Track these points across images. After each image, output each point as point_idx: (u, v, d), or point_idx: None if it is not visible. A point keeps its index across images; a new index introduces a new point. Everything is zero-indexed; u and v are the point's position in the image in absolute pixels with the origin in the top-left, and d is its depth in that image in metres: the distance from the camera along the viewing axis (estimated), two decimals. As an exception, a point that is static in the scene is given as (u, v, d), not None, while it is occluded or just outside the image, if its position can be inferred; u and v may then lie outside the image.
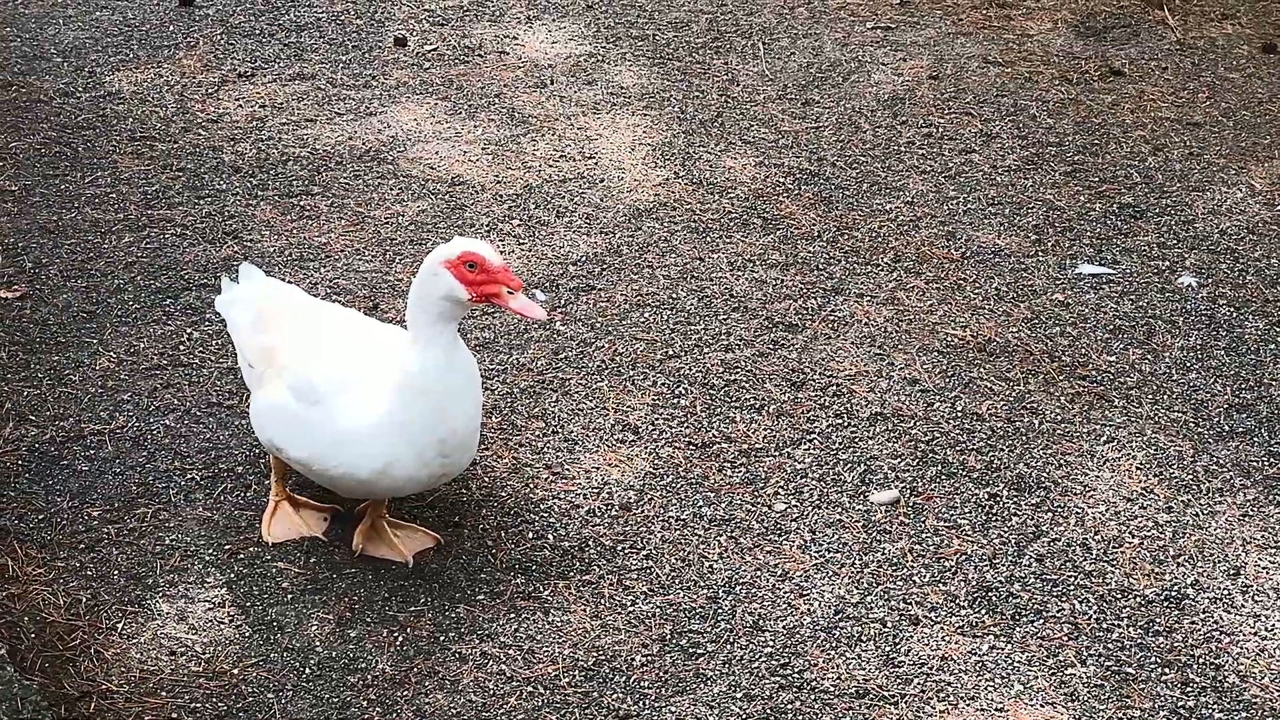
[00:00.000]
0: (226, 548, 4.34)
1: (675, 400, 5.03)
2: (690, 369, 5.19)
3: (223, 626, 4.08)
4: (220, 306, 4.71)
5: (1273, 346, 5.36)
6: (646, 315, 5.49)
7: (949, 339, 5.39)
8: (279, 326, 4.36)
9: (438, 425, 4.02)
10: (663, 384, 5.11)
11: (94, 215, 5.96)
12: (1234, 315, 5.57)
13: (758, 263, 5.84)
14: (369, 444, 4.03)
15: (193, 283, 5.54)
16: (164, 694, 3.86)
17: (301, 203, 6.14)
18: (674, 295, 5.62)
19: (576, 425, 4.89)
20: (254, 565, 4.28)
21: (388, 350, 4.16)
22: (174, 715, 3.80)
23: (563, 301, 5.55)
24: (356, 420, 4.05)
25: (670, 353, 5.27)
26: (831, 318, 5.50)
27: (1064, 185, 6.45)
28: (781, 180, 6.46)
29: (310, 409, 4.13)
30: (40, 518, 4.40)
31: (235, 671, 3.95)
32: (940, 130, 6.91)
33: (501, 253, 5.83)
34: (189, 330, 5.27)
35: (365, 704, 3.87)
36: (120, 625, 4.06)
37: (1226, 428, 4.96)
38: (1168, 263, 5.90)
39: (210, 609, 4.13)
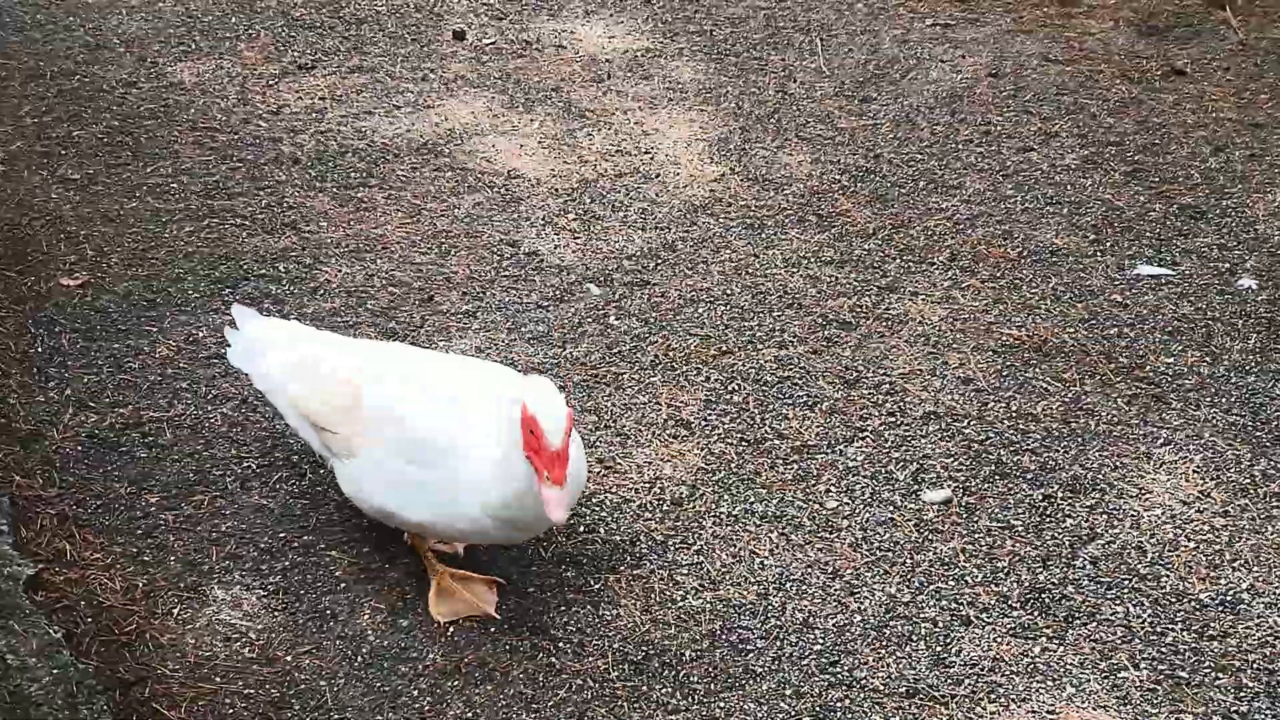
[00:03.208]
0: (281, 535, 4.37)
1: (728, 396, 5.03)
2: (743, 365, 5.18)
3: (276, 614, 4.12)
4: (237, 360, 4.48)
5: (1334, 350, 5.30)
6: (700, 311, 5.49)
7: (1004, 339, 5.36)
8: (339, 377, 4.12)
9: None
10: (716, 380, 5.11)
11: (155, 205, 6.02)
12: (1294, 318, 5.50)
13: (812, 260, 5.83)
14: (490, 490, 3.84)
15: (252, 273, 5.59)
16: (218, 679, 3.90)
17: (359, 194, 6.18)
18: (728, 291, 5.62)
19: (629, 420, 4.90)
20: (308, 554, 4.31)
21: (487, 391, 3.94)
22: (227, 701, 3.84)
23: (617, 296, 5.56)
24: (477, 471, 3.85)
25: (724, 348, 5.27)
26: (886, 316, 5.48)
27: (1124, 185, 6.40)
28: (837, 177, 6.44)
29: (424, 470, 3.93)
30: (98, 504, 4.46)
31: (288, 658, 3.98)
32: (999, 128, 6.87)
33: (557, 247, 5.84)
34: (247, 320, 5.31)
35: (416, 693, 3.89)
36: (176, 611, 4.11)
37: (1285, 432, 4.91)
38: (1228, 264, 5.84)
39: (264, 596, 4.17)
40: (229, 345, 4.54)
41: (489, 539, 4.04)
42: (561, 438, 3.61)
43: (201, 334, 5.22)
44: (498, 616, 4.11)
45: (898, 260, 5.83)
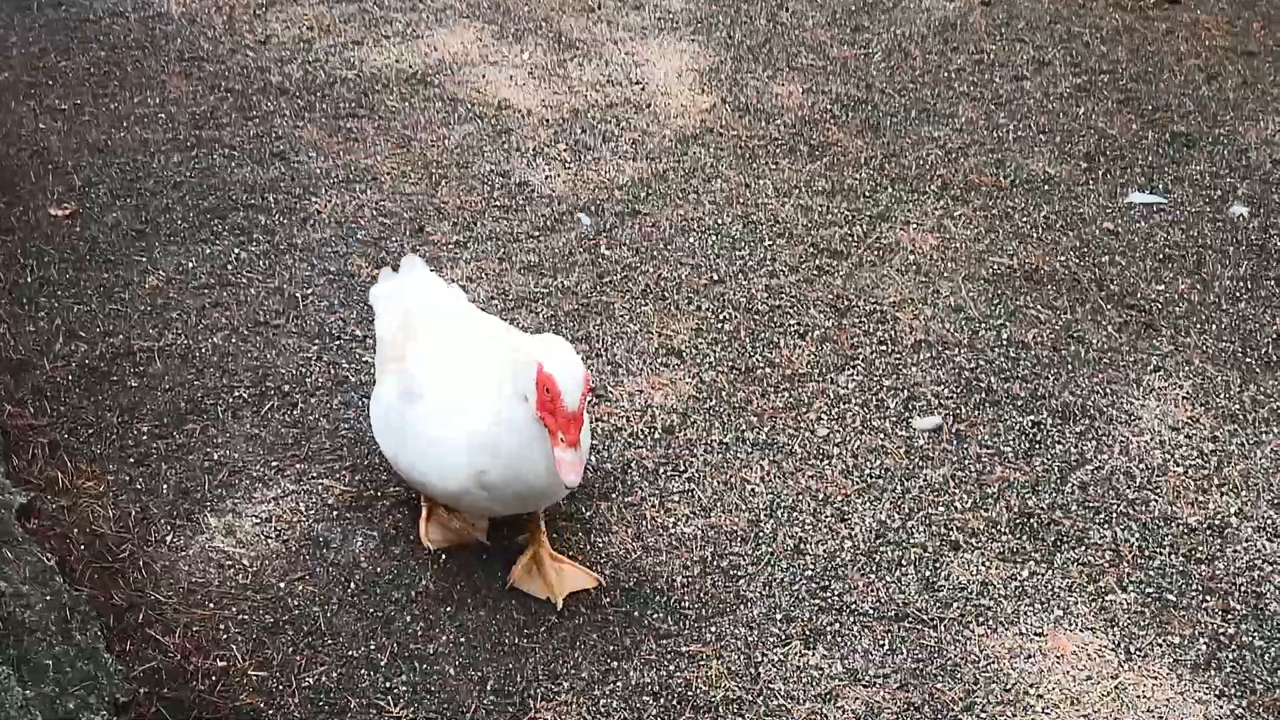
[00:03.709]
0: (274, 464, 4.38)
1: (719, 325, 5.03)
2: (734, 294, 5.18)
3: (269, 541, 4.13)
4: (374, 298, 4.42)
5: (1324, 277, 5.31)
6: (691, 240, 5.48)
7: (996, 267, 5.36)
8: (421, 334, 4.06)
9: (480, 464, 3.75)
10: (707, 309, 5.10)
11: (143, 135, 5.99)
12: (1285, 246, 5.51)
13: (804, 189, 5.81)
14: (452, 455, 3.78)
15: (241, 203, 5.57)
16: (211, 605, 3.92)
17: (348, 125, 6.15)
18: (719, 221, 5.61)
19: (620, 349, 4.90)
20: (300, 482, 4.32)
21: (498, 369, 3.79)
22: (221, 626, 3.86)
23: (608, 226, 5.55)
24: (440, 428, 3.79)
25: (715, 278, 5.26)
26: (877, 245, 5.48)
27: (1116, 113, 6.38)
28: (829, 107, 6.41)
29: (407, 407, 3.89)
30: (90, 432, 4.46)
31: (282, 585, 4.00)
32: (991, 57, 6.84)
33: (548, 177, 5.82)
34: (236, 250, 5.30)
35: (409, 619, 3.91)
36: (169, 538, 4.12)
37: (1275, 357, 4.92)
38: (1219, 192, 5.84)
39: (257, 524, 4.18)
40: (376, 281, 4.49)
41: (476, 503, 3.87)
42: (578, 399, 3.50)
43: (191, 264, 5.21)
44: (488, 544, 4.12)
45: (889, 189, 5.82)
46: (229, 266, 5.22)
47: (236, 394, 4.65)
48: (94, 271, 5.15)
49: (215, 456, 4.40)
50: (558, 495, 3.89)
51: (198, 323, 4.94)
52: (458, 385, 3.80)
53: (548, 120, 6.23)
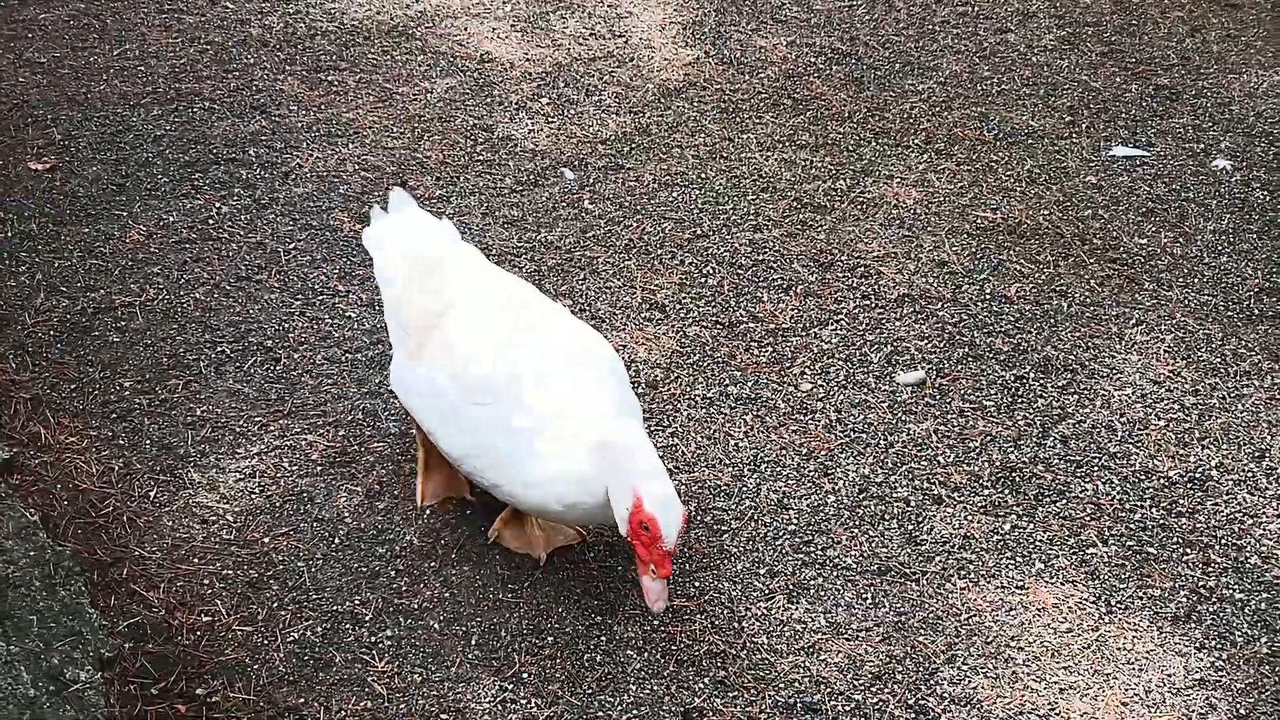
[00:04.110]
0: (257, 419, 4.38)
1: (703, 280, 5.02)
2: (718, 248, 5.18)
3: (253, 496, 4.13)
4: (368, 242, 4.23)
5: (1306, 231, 5.32)
6: (675, 195, 5.47)
7: (979, 221, 5.36)
8: (452, 293, 3.89)
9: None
10: (690, 263, 5.10)
11: (122, 88, 5.95)
12: (1267, 198, 5.51)
13: (787, 143, 5.80)
14: (548, 483, 3.64)
15: (221, 157, 5.54)
16: (196, 560, 3.92)
17: (329, 78, 6.11)
18: (703, 175, 5.59)
19: (604, 303, 4.90)
20: (284, 437, 4.32)
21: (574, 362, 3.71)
22: (205, 582, 3.87)
23: (591, 180, 5.53)
24: (540, 461, 3.63)
25: (698, 232, 5.26)
26: (861, 199, 5.47)
27: (1100, 66, 6.37)
28: (813, 60, 6.39)
29: (477, 409, 3.71)
30: (72, 388, 4.45)
31: (266, 540, 4.00)
32: (976, 9, 6.82)
33: (531, 131, 5.80)
34: (217, 205, 5.27)
35: (394, 574, 3.92)
36: (153, 494, 4.12)
37: (1256, 311, 4.93)
38: (1202, 145, 5.84)
39: (241, 479, 4.18)
40: (368, 224, 4.31)
41: (511, 501, 3.79)
42: (675, 538, 3.44)
43: (172, 218, 5.18)
44: (472, 499, 4.12)
45: (873, 143, 5.81)
46: (210, 221, 5.19)
47: (219, 349, 4.63)
48: (74, 226, 5.12)
49: (198, 412, 4.40)
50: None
51: (179, 278, 4.92)
52: (531, 395, 3.63)
53: (530, 74, 6.20)
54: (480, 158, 5.64)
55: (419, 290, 3.93)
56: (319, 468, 4.23)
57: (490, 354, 3.72)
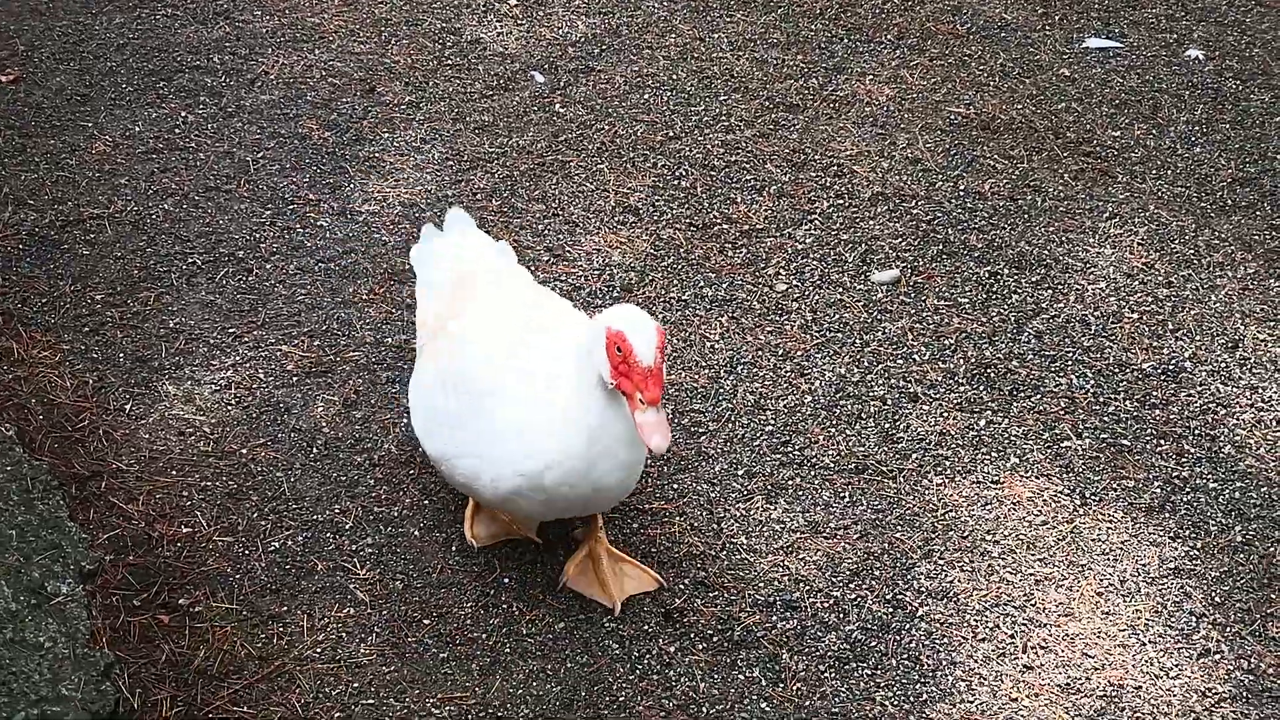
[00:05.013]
0: (231, 331, 4.36)
1: (676, 182, 5.00)
2: (691, 150, 5.14)
3: (230, 408, 4.12)
4: (415, 259, 3.99)
5: (1278, 120, 5.31)
6: (646, 96, 5.42)
7: (952, 117, 5.33)
8: (469, 303, 3.68)
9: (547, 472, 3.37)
10: (663, 165, 5.07)
11: (83, -3, 5.85)
12: (1240, 88, 5.50)
13: (759, 42, 5.74)
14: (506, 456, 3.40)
15: (186, 64, 5.46)
16: (174, 473, 3.92)
17: (294, -17, 6.02)
18: (674, 76, 5.54)
19: (577, 207, 4.87)
20: (258, 348, 4.30)
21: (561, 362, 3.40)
22: (184, 493, 3.87)
23: (562, 83, 5.48)
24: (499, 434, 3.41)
25: (670, 134, 5.22)
26: (833, 97, 5.43)
27: (1072, -42, 6.31)
28: (783, -45, 6.31)
29: (453, 400, 3.51)
30: (43, 301, 4.42)
31: (244, 451, 4.00)
32: (947, -98, 6.73)
33: (500, 34, 5.73)
34: (184, 113, 5.21)
35: (372, 482, 3.93)
36: (128, 407, 4.11)
37: (1229, 201, 4.93)
38: (1175, 36, 5.80)
39: (217, 391, 4.17)
40: (419, 240, 4.04)
41: (523, 506, 3.50)
42: (654, 353, 3.17)
43: (138, 128, 5.12)
44: (538, 539, 3.77)
45: (845, 40, 5.76)
46: (177, 130, 5.13)
47: (190, 260, 4.60)
48: (40, 138, 5.06)
49: (171, 324, 4.38)
50: (619, 497, 3.52)
51: (147, 189, 4.87)
52: (517, 377, 3.42)
53: (498, -26, 6.12)
54: (449, 62, 5.58)
55: (453, 302, 3.70)
56: (295, 378, 4.22)
57: (482, 349, 3.50)
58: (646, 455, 3.41)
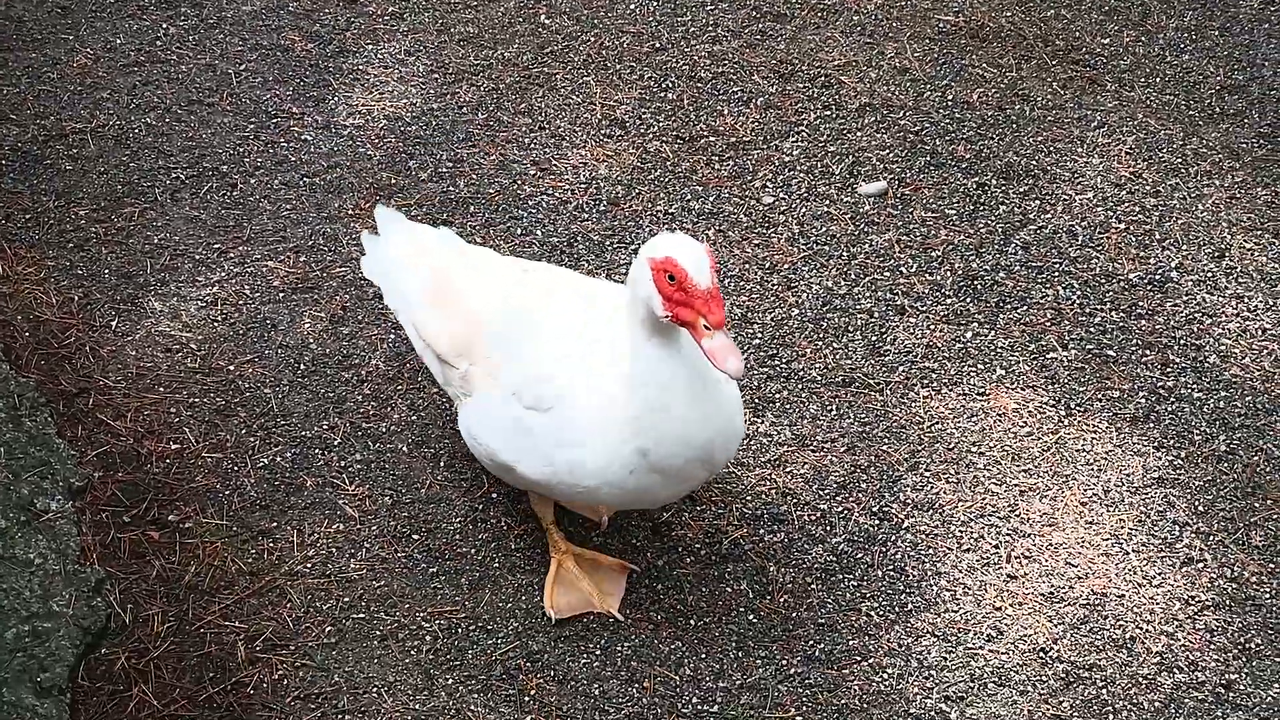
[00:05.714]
0: (216, 246, 4.35)
1: (662, 94, 4.96)
2: (677, 62, 5.10)
3: (216, 324, 4.12)
4: (370, 273, 3.79)
5: (1267, 26, 5.27)
6: (632, 7, 5.37)
7: (941, 25, 5.29)
8: (466, 304, 3.50)
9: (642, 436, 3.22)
10: (649, 77, 5.03)
11: (60, -93, 5.77)
12: (1231, -3, 5.46)
13: (746, -52, 5.68)
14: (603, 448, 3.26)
15: (166, -23, 5.40)
16: (161, 389, 3.93)
17: (274, -109, 5.93)
18: (660, -16, 5.48)
19: (563, 120, 4.84)
20: (244, 264, 4.29)
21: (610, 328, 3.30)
22: (172, 410, 3.88)
23: (546, -8, 5.42)
24: (591, 423, 3.27)
25: (657, 45, 5.18)
26: (820, 6, 5.38)
27: None
28: None
29: (539, 415, 3.33)
30: (27, 217, 4.40)
31: (231, 368, 4.01)
32: None
33: None
34: (165, 25, 5.15)
35: (360, 399, 3.94)
36: (114, 323, 4.10)
37: (1217, 110, 4.91)
38: (1166, -57, 5.75)
39: (203, 307, 4.17)
40: (364, 254, 3.85)
41: (623, 498, 3.36)
42: (707, 272, 3.02)
43: (119, 41, 5.07)
44: (620, 617, 3.55)
45: (833, -53, 5.69)
46: (158, 42, 5.08)
47: (173, 175, 4.58)
48: (21, 52, 5.01)
49: (155, 240, 4.36)
50: (731, 447, 3.34)
51: (129, 102, 4.83)
52: (588, 374, 3.29)
53: (481, -118, 6.03)
54: (432, -29, 5.51)
55: (446, 319, 3.51)
56: (281, 294, 4.22)
57: (547, 357, 3.35)
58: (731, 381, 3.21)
